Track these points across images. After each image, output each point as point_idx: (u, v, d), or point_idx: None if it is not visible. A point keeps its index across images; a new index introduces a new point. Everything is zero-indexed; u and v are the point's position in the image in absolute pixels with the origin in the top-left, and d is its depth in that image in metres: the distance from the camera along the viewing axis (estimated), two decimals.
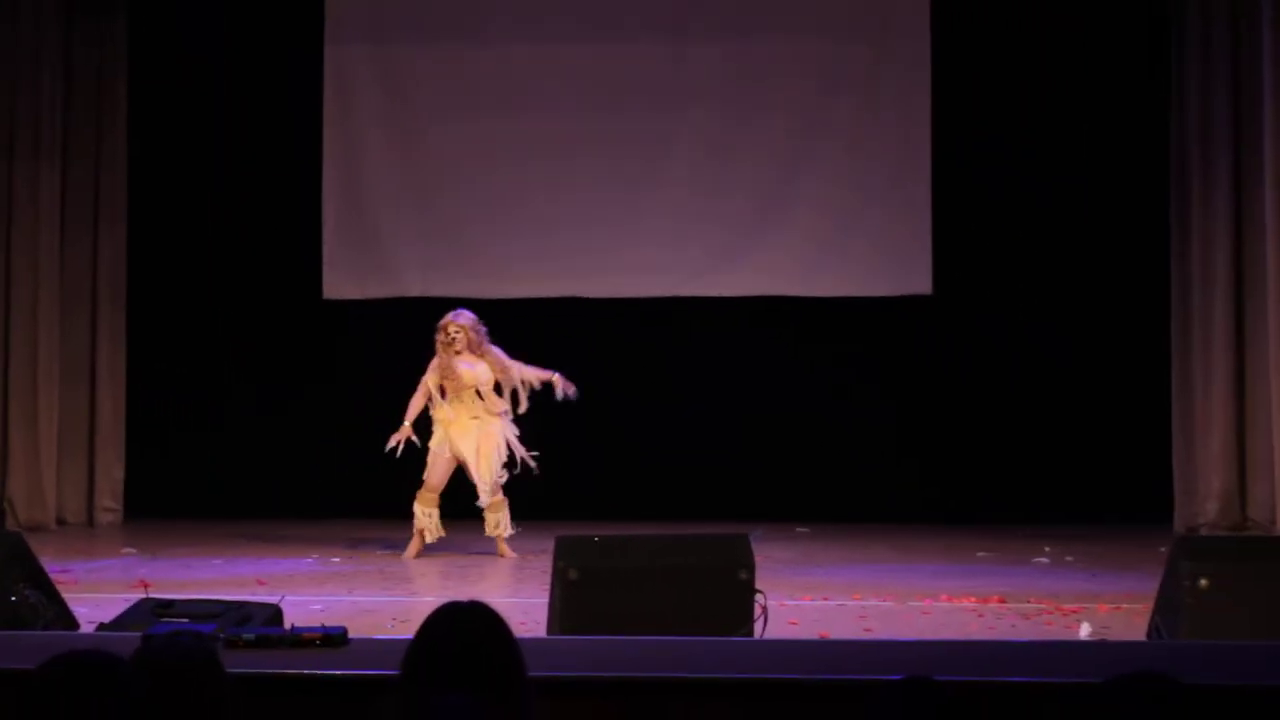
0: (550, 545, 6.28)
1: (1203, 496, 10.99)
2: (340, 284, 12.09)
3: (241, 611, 5.65)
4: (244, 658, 4.54)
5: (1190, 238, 11.04)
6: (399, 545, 10.15)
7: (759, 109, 11.76)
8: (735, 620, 5.98)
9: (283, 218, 12.19)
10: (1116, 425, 11.57)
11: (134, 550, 10.35)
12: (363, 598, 8.38)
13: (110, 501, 12.02)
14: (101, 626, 5.90)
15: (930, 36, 11.64)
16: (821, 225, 11.77)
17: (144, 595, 6.37)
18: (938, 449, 11.77)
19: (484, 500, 9.96)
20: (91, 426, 12.00)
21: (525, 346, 11.10)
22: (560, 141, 11.89)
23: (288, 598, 6.30)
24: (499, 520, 10.00)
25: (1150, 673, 3.12)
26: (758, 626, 6.08)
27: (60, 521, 11.81)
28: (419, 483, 10.09)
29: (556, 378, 10.05)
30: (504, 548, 10.02)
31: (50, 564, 6.87)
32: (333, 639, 4.85)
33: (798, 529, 11.15)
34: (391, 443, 9.93)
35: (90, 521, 11.95)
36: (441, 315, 10.18)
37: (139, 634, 4.68)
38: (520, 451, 10.00)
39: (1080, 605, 7.87)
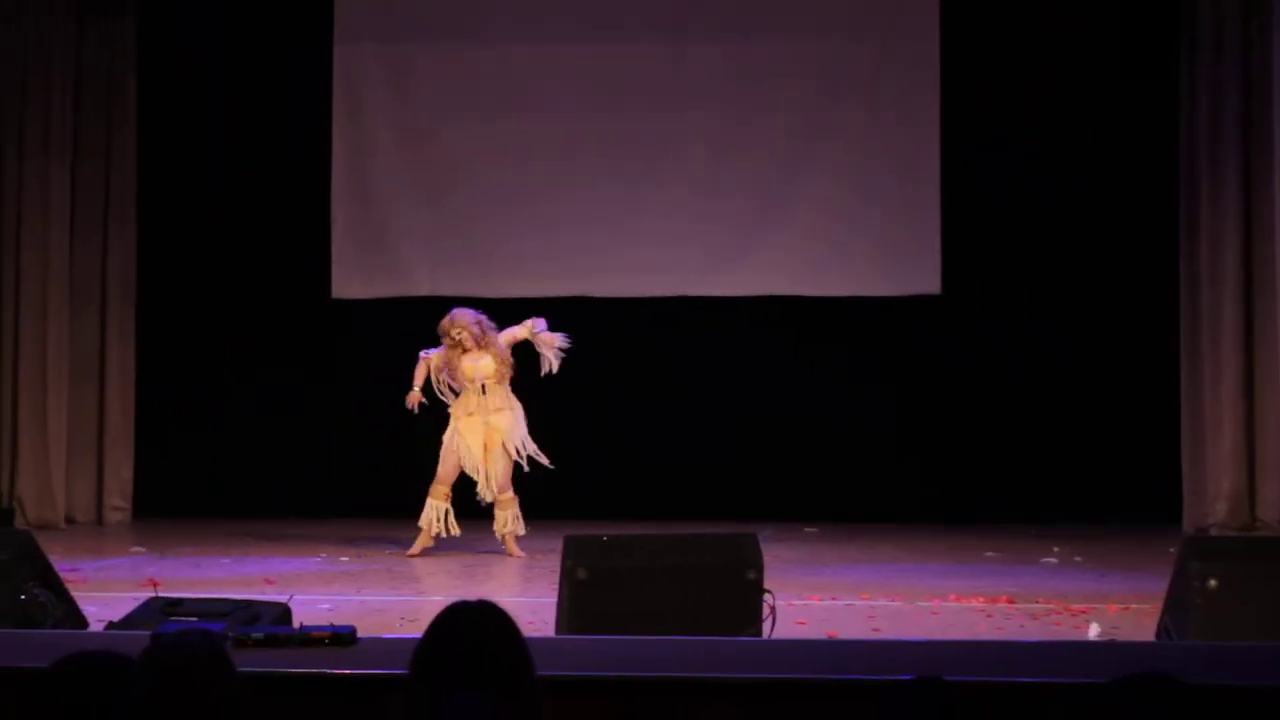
0: (558, 544, 6.28)
1: (1212, 497, 10.98)
2: (349, 283, 12.10)
3: (250, 610, 5.65)
4: (252, 657, 4.54)
5: (1199, 238, 11.03)
6: (407, 544, 10.15)
7: (764, 109, 11.76)
8: (743, 620, 5.98)
9: (291, 217, 12.19)
10: (1125, 425, 11.55)
11: (143, 549, 10.36)
12: (371, 597, 8.39)
13: (119, 500, 12.04)
14: (110, 625, 5.89)
15: (939, 36, 11.64)
16: (828, 225, 11.77)
17: (153, 594, 6.36)
18: (945, 449, 11.76)
19: (484, 496, 9.97)
20: (101, 425, 12.01)
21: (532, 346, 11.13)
22: (567, 141, 11.90)
23: (296, 597, 6.30)
24: (508, 518, 10.00)
25: (1155, 673, 3.12)
26: (766, 626, 6.08)
27: (69, 520, 11.83)
28: (428, 482, 10.10)
29: (532, 325, 10.06)
30: (512, 546, 10.01)
31: (59, 563, 6.88)
32: (341, 638, 4.85)
33: (806, 529, 11.14)
34: (409, 404, 9.99)
35: (99, 520, 11.97)
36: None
37: (148, 633, 4.68)
38: (530, 448, 10.00)
39: (1089, 606, 7.86)
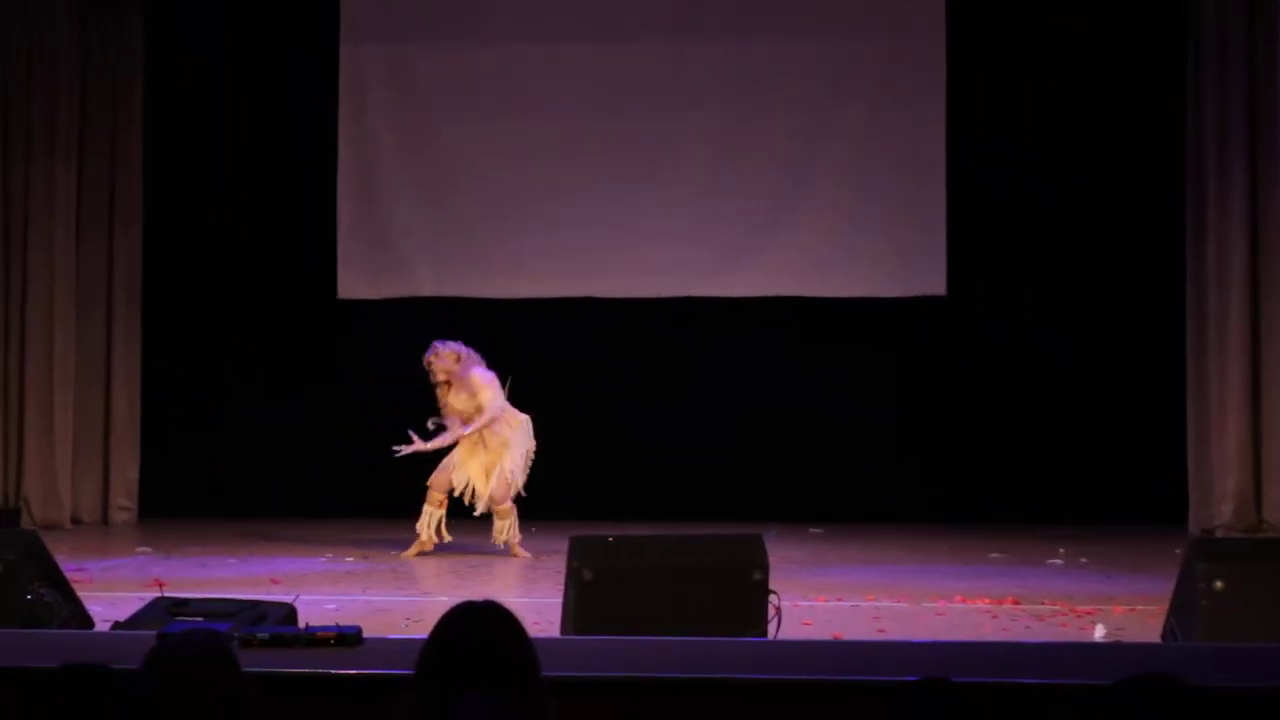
0: (562, 545, 6.28)
1: (1218, 498, 10.97)
2: (355, 283, 12.11)
3: (256, 611, 5.65)
4: (258, 657, 4.54)
5: (1205, 240, 11.02)
6: (410, 546, 10.15)
7: (765, 109, 11.75)
8: (749, 621, 5.98)
9: (297, 218, 12.20)
10: (1132, 427, 11.54)
11: (149, 549, 10.36)
12: (377, 597, 8.39)
13: (125, 500, 12.05)
14: (116, 625, 5.90)
15: (944, 36, 11.63)
16: (832, 226, 11.76)
17: (159, 594, 6.37)
18: (950, 450, 11.75)
19: (480, 509, 10.00)
20: (106, 425, 12.02)
21: (537, 346, 11.15)
22: (568, 141, 11.90)
23: (302, 597, 6.31)
24: (505, 527, 10.02)
25: (1160, 675, 3.12)
26: (771, 627, 6.08)
27: (75, 520, 11.84)
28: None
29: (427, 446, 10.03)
30: (517, 548, 10.02)
31: (65, 563, 6.88)
32: (347, 638, 4.86)
33: (811, 530, 11.14)
34: (401, 450, 9.97)
35: (105, 520, 11.98)
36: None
37: (154, 633, 4.69)
38: (518, 483, 9.98)
39: (1095, 607, 7.86)
